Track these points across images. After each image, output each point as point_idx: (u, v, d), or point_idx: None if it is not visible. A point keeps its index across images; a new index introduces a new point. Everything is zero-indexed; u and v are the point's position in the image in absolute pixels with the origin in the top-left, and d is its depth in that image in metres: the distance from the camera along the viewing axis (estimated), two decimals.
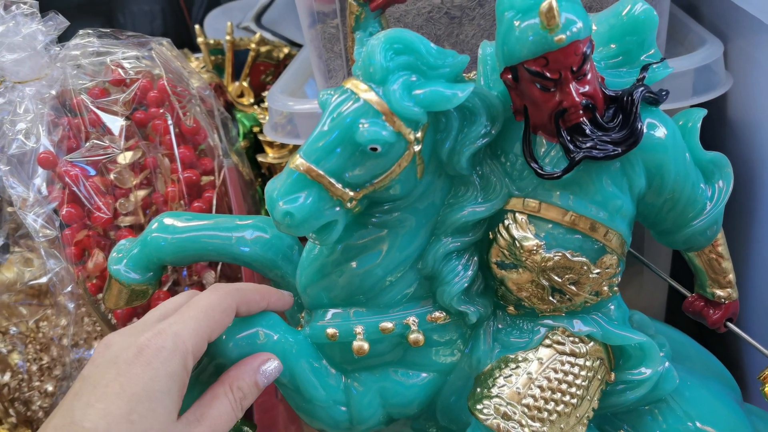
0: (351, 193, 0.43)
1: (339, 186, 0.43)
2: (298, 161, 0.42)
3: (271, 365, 0.46)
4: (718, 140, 0.75)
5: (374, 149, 0.42)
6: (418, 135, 0.43)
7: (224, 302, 0.45)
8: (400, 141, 0.42)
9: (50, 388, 0.71)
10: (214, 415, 0.42)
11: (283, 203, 0.42)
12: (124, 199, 0.71)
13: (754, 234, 0.68)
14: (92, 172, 0.65)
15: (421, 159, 0.44)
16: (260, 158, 0.94)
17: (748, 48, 0.67)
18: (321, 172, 0.42)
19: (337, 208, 0.43)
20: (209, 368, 0.47)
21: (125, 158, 0.72)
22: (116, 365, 0.40)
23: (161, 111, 0.68)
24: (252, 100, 1.08)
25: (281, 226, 0.43)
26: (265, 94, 1.03)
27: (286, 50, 1.11)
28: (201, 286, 0.74)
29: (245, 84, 1.09)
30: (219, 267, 0.72)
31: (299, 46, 1.13)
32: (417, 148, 0.43)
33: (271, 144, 0.94)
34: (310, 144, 0.43)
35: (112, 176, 0.70)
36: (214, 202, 0.71)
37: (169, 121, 0.68)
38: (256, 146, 0.98)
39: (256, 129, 0.98)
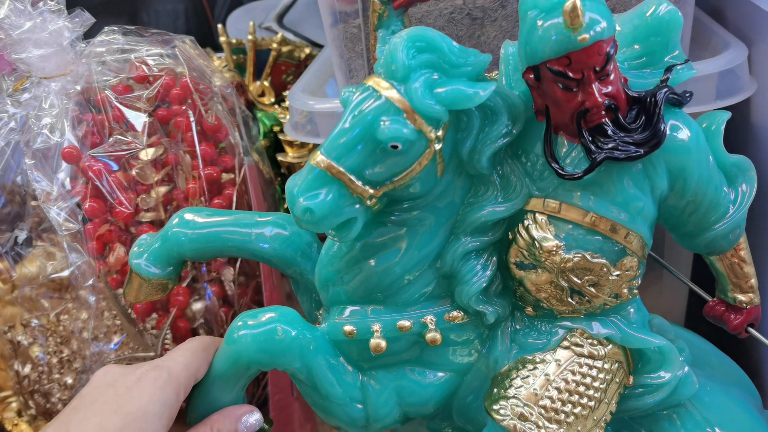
0: (371, 191, 0.43)
1: (359, 183, 0.43)
2: (319, 158, 0.42)
3: (253, 417, 0.49)
4: (741, 145, 0.74)
5: (395, 147, 0.42)
6: (439, 133, 0.43)
7: (206, 343, 0.49)
8: (421, 139, 0.42)
9: (69, 380, 0.72)
10: None
11: (304, 199, 0.42)
12: (145, 195, 0.72)
13: None
14: (115, 167, 0.65)
15: (442, 158, 0.44)
16: (280, 157, 0.94)
17: None
18: (341, 169, 0.42)
19: (357, 206, 0.44)
20: (227, 365, 0.47)
21: (147, 154, 0.72)
22: (114, 388, 0.44)
23: (183, 108, 0.69)
24: (273, 100, 1.09)
25: (301, 222, 0.43)
26: (285, 93, 1.03)
27: (307, 50, 1.12)
28: (220, 283, 0.74)
29: (266, 83, 1.10)
30: (238, 264, 0.72)
31: (320, 46, 1.14)
32: (438, 146, 0.43)
33: (291, 143, 0.95)
34: (331, 141, 0.43)
35: (134, 172, 0.71)
36: (234, 199, 0.72)
37: (191, 118, 0.68)
38: (276, 145, 0.99)
39: (276, 128, 0.99)
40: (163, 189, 0.73)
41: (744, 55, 0.65)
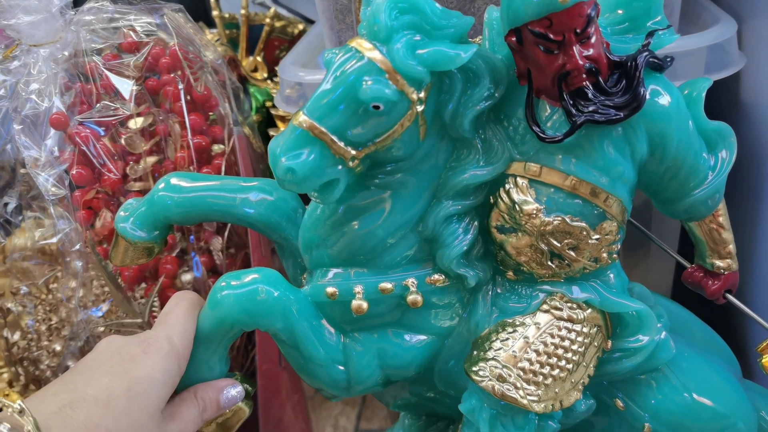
0: (353, 152, 0.44)
1: (341, 144, 0.43)
2: (301, 118, 0.43)
3: (235, 389, 0.51)
4: (729, 121, 0.74)
5: (377, 107, 0.42)
6: (421, 95, 0.43)
7: (195, 302, 0.50)
8: (403, 100, 0.43)
9: (58, 347, 0.72)
10: (184, 414, 0.47)
11: (286, 159, 0.42)
12: (134, 164, 0.72)
13: (762, 216, 0.67)
14: (102, 132, 0.65)
15: (424, 120, 0.44)
16: (272, 132, 0.94)
17: (763, 28, 0.67)
18: (323, 130, 0.43)
19: (339, 167, 0.44)
20: (210, 325, 0.48)
21: (136, 123, 0.73)
22: (120, 354, 0.45)
23: (172, 76, 0.69)
24: (265, 75, 1.08)
25: (283, 183, 0.43)
26: (278, 68, 1.03)
27: (300, 26, 1.12)
28: (209, 253, 0.74)
29: (259, 59, 1.10)
30: (226, 234, 0.73)
31: (313, 22, 1.13)
32: (420, 108, 0.44)
33: (283, 118, 0.95)
34: (313, 101, 0.43)
35: (122, 141, 0.71)
36: (223, 168, 0.72)
37: (180, 86, 0.68)
38: (268, 121, 0.99)
39: (269, 104, 0.99)
40: (152, 159, 0.73)
41: (733, 30, 0.65)
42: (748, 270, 0.56)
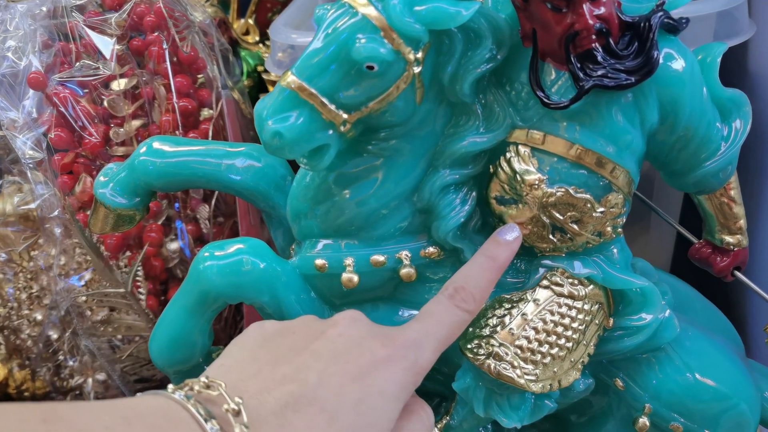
0: (345, 116, 0.41)
1: (332, 107, 0.40)
2: (290, 78, 0.40)
3: None
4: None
5: (371, 68, 0.39)
6: (419, 55, 0.40)
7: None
8: (399, 60, 0.40)
9: (39, 316, 0.70)
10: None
11: (273, 122, 0.40)
12: (118, 128, 0.69)
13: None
14: (81, 92, 0.62)
15: (421, 82, 0.42)
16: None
17: None
18: (313, 91, 0.40)
19: (330, 131, 0.41)
20: (192, 296, 0.45)
21: (119, 85, 0.70)
22: (360, 348, 0.37)
23: (157, 35, 0.66)
24: (257, 38, 1.05)
25: (270, 147, 0.41)
26: (269, 30, 1.00)
27: None
28: (195, 221, 0.72)
29: (251, 21, 1.06)
30: (213, 202, 0.70)
31: None
32: (417, 69, 0.41)
33: (275, 83, 0.92)
34: (303, 61, 0.40)
35: (105, 103, 0.68)
36: (210, 133, 0.69)
37: (165, 46, 0.65)
38: (260, 86, 0.96)
39: (260, 68, 0.96)
40: (136, 122, 0.70)
41: None
42: (754, 247, 0.54)
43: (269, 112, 0.40)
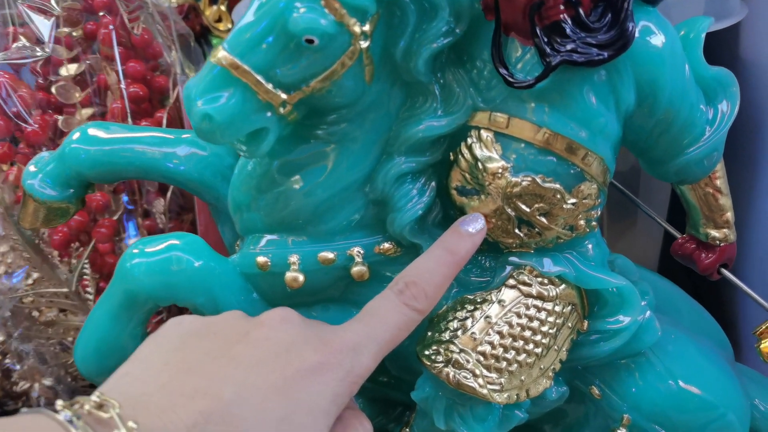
0: (284, 96, 0.36)
1: (269, 86, 0.36)
2: (221, 54, 0.35)
3: None
4: None
5: (310, 41, 0.35)
6: (366, 28, 0.36)
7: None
8: (343, 33, 0.35)
9: None
10: None
11: (202, 103, 0.35)
12: (68, 116, 0.65)
13: (760, 181, 0.61)
14: (11, 70, 0.58)
15: (370, 59, 0.37)
16: None
17: None
18: (247, 68, 0.35)
19: (268, 113, 0.37)
20: (118, 298, 0.41)
21: (68, 71, 0.65)
22: (288, 355, 0.33)
23: (103, 14, 0.61)
24: (229, 26, 1.00)
25: (201, 132, 0.36)
26: (233, 13, 0.96)
27: None
28: (152, 217, 0.68)
29: (223, 8, 1.01)
30: (168, 194, 0.66)
31: None
32: (364, 44, 0.36)
33: None
34: (235, 34, 0.36)
35: (53, 90, 0.64)
36: (165, 122, 0.64)
37: (111, 27, 0.61)
38: None
39: None
40: (87, 111, 0.66)
41: None
42: (743, 242, 0.50)
43: (198, 92, 0.36)
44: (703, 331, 0.50)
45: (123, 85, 0.61)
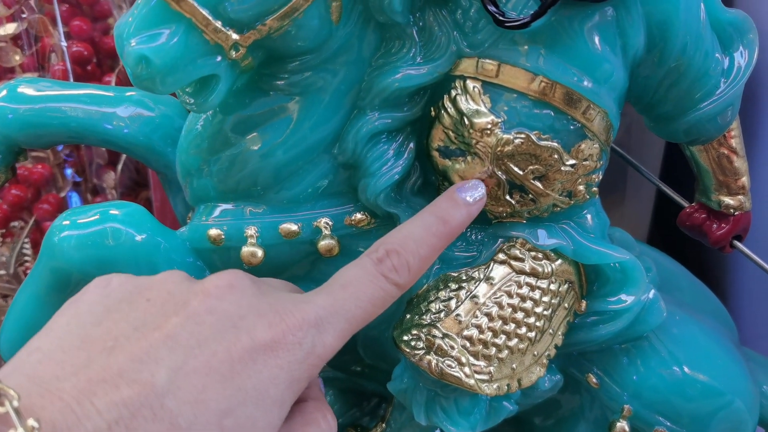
0: (235, 37, 0.31)
1: (218, 23, 0.31)
2: None
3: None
4: None
5: None
6: None
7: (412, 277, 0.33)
8: None
9: None
10: None
11: (136, 42, 0.30)
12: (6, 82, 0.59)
13: (761, 150, 0.57)
14: None
15: None
16: None
17: None
18: (191, 1, 0.30)
19: (218, 58, 0.31)
20: (46, 277, 0.35)
21: (6, 30, 0.59)
22: (236, 331, 0.28)
23: None
24: None
25: (137, 79, 0.31)
26: None
27: None
28: (103, 193, 0.62)
29: None
30: (120, 166, 0.60)
31: None
32: None
33: None
34: None
35: None
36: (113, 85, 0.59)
37: None
38: None
39: None
40: (29, 75, 0.60)
41: None
42: (758, 211, 0.45)
43: (131, 30, 0.30)
44: (707, 311, 0.46)
45: (64, 43, 0.55)
